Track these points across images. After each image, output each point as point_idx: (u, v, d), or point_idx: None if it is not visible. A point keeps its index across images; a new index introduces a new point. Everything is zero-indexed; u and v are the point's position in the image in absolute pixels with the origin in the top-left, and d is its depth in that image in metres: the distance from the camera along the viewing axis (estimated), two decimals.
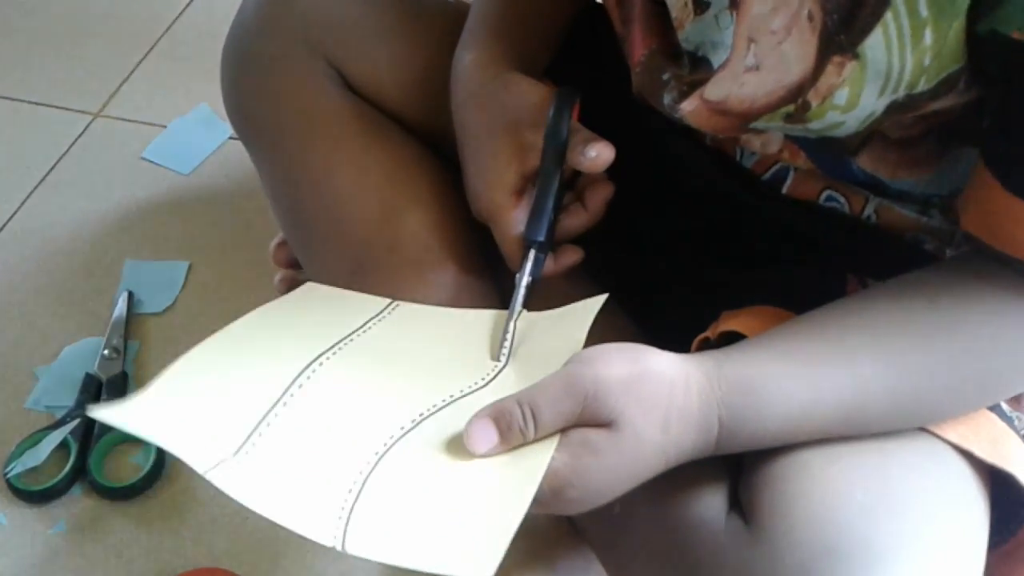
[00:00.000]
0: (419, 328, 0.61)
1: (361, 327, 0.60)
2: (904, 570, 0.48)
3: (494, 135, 0.64)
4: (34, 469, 0.90)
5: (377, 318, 0.62)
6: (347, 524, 0.46)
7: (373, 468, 0.50)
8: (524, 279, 0.61)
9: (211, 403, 0.52)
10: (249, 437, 0.50)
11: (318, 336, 0.58)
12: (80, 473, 0.90)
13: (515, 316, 0.59)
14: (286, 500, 0.47)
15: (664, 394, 0.49)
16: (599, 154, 0.60)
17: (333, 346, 0.57)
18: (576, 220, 0.63)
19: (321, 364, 0.56)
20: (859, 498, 0.49)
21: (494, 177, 0.63)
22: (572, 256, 0.64)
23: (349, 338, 0.59)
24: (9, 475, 0.89)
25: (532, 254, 0.61)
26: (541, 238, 0.61)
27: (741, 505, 0.52)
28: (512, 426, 0.49)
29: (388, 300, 0.64)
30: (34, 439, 0.91)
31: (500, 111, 0.64)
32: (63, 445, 0.91)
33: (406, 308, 0.63)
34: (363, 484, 0.49)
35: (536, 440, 0.49)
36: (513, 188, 0.62)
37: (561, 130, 0.61)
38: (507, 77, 0.65)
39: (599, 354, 0.51)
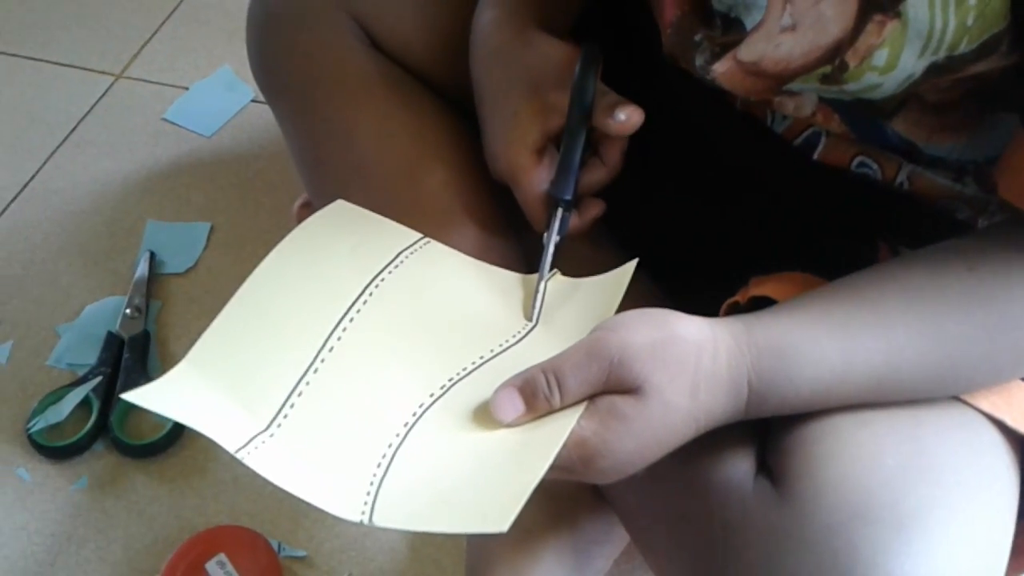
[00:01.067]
0: (448, 275, 0.61)
1: (393, 260, 0.59)
2: (933, 536, 0.47)
3: (516, 94, 0.63)
4: (56, 425, 0.90)
5: (409, 251, 0.61)
6: (375, 499, 0.46)
7: (402, 441, 0.50)
8: (553, 238, 0.60)
9: (242, 375, 0.51)
10: (280, 409, 0.50)
11: (349, 276, 0.57)
12: (102, 430, 0.90)
13: (545, 277, 0.59)
14: (315, 477, 0.47)
15: (691, 359, 0.49)
16: (628, 117, 0.59)
17: (363, 292, 0.57)
18: (595, 175, 0.63)
19: (352, 320, 0.55)
20: (889, 463, 0.49)
21: (516, 136, 0.62)
22: (595, 209, 0.63)
23: (380, 278, 0.58)
24: (32, 431, 0.89)
25: (559, 213, 0.61)
26: (569, 196, 0.60)
27: (769, 468, 0.52)
28: (537, 394, 0.49)
29: (419, 235, 0.62)
30: (56, 396, 0.92)
31: (522, 70, 0.63)
32: (85, 402, 0.91)
33: (436, 248, 0.62)
34: (392, 458, 0.49)
35: (563, 408, 0.49)
36: (535, 148, 0.62)
37: (588, 88, 0.60)
38: (529, 35, 0.64)
39: (624, 320, 0.51)
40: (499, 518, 0.43)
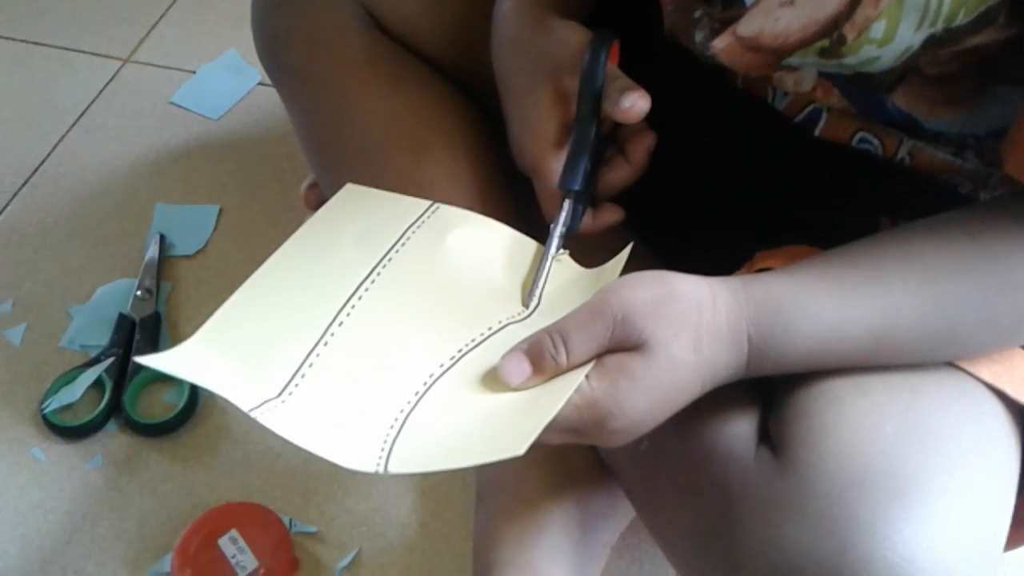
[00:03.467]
0: (458, 243, 0.61)
1: (401, 238, 0.60)
2: (930, 502, 0.48)
3: (535, 84, 0.63)
4: (70, 406, 0.91)
5: (417, 224, 0.61)
6: (390, 452, 0.48)
7: (414, 406, 0.51)
8: (558, 229, 0.60)
9: (256, 346, 0.52)
10: (292, 378, 0.51)
11: (357, 260, 0.58)
12: (115, 410, 0.91)
13: (548, 266, 0.59)
14: (328, 435, 0.49)
15: (693, 314, 0.50)
16: (633, 104, 0.58)
17: (374, 269, 0.58)
18: (619, 173, 0.62)
19: (360, 298, 0.56)
20: (889, 431, 0.49)
21: (535, 128, 0.62)
22: (612, 215, 0.63)
23: (388, 256, 0.59)
24: (46, 411, 0.91)
25: (567, 204, 0.60)
26: (576, 187, 0.60)
27: (770, 438, 0.53)
28: (544, 354, 0.50)
29: (428, 202, 0.63)
30: (69, 377, 0.93)
31: (541, 58, 0.63)
32: (98, 383, 0.92)
33: (445, 213, 0.62)
34: (405, 420, 0.50)
35: (570, 370, 0.50)
36: (554, 139, 0.61)
37: (597, 76, 0.60)
38: (548, 23, 0.64)
39: (625, 280, 0.52)
40: (515, 445, 0.44)
